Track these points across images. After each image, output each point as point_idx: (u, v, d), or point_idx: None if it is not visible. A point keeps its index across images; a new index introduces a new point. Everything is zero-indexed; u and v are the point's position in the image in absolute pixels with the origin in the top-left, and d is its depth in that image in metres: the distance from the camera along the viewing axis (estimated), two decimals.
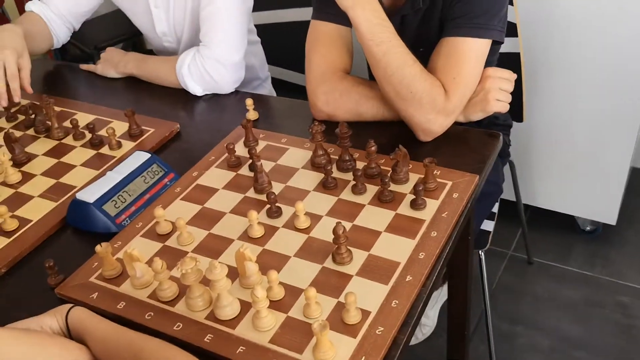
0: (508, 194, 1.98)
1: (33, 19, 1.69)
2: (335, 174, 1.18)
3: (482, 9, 1.23)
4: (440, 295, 2.00)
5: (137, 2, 1.70)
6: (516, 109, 1.75)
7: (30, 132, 1.46)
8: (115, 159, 1.33)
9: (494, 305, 2.01)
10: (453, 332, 1.59)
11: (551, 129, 2.10)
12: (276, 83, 2.04)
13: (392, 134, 1.28)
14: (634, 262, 2.16)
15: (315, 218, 1.09)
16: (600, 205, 2.16)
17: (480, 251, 1.67)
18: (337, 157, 1.21)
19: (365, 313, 0.89)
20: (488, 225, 1.68)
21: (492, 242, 1.69)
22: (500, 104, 1.29)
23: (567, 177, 2.17)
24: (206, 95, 1.56)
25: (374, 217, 1.07)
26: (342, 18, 1.29)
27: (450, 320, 1.58)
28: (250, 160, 1.22)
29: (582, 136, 2.07)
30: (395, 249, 1.00)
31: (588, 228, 2.28)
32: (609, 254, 2.21)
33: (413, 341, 1.95)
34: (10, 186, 1.28)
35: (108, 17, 2.92)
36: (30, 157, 1.36)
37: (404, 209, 1.08)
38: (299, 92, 1.61)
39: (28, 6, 1.70)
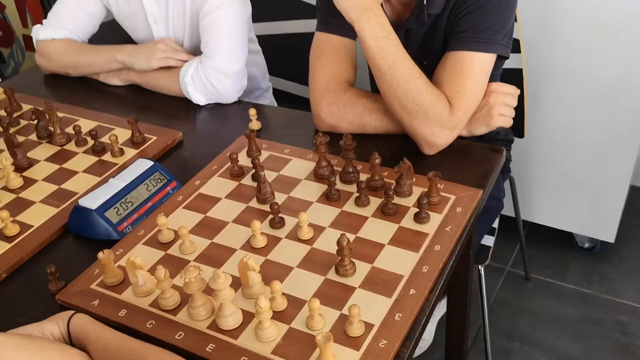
0: (507, 209, 1.98)
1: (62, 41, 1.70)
2: (339, 185, 1.18)
3: (487, 24, 1.24)
4: (438, 309, 1.99)
5: (136, 19, 1.71)
6: (517, 125, 1.75)
7: (33, 137, 1.45)
8: (118, 166, 1.33)
9: (491, 321, 2.01)
10: (451, 347, 1.59)
11: (551, 146, 2.11)
12: (278, 94, 2.04)
13: (396, 147, 1.28)
14: (632, 280, 2.16)
15: (318, 229, 1.08)
16: (599, 222, 2.16)
17: (480, 266, 1.67)
18: (340, 169, 1.21)
19: (368, 326, 0.89)
20: (488, 240, 1.68)
21: (490, 257, 1.68)
22: (504, 118, 1.30)
23: (566, 193, 2.17)
24: (209, 104, 1.56)
25: (377, 230, 1.07)
26: (346, 30, 1.29)
27: (449, 334, 1.57)
28: (253, 170, 1.22)
29: (582, 153, 2.07)
30: (399, 261, 1.00)
31: (586, 245, 2.28)
32: (607, 271, 2.21)
33: None
34: (12, 191, 1.28)
35: (108, 25, 2.93)
36: (32, 163, 1.36)
37: (408, 222, 1.08)
38: (301, 103, 1.61)
39: (39, 35, 1.69)
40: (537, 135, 2.09)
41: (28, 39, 3.15)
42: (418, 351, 1.96)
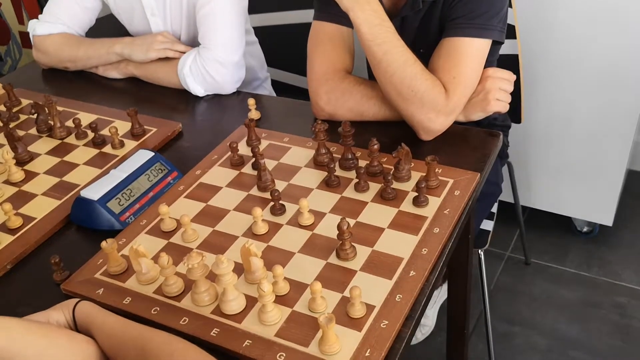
0: (506, 195, 1.99)
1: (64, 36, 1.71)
2: (338, 172, 1.19)
3: (481, 9, 1.25)
4: (440, 295, 2.01)
5: (133, 12, 1.71)
6: (514, 110, 1.76)
7: (33, 131, 1.46)
8: (118, 157, 1.34)
9: (491, 305, 2.02)
10: (452, 332, 1.61)
11: (548, 131, 2.12)
12: (275, 85, 2.05)
13: (394, 133, 1.29)
14: (630, 263, 2.18)
15: (318, 215, 1.10)
16: (597, 206, 2.17)
17: (479, 251, 1.68)
18: (339, 156, 1.22)
19: (369, 307, 0.90)
20: (487, 225, 1.69)
21: (490, 243, 1.70)
22: (500, 103, 1.31)
23: (564, 178, 2.18)
24: (208, 95, 1.57)
25: (377, 214, 1.09)
26: (343, 19, 1.30)
27: (450, 319, 1.59)
28: (254, 159, 1.24)
29: (579, 138, 2.08)
30: (399, 245, 1.01)
31: (585, 229, 2.30)
32: (606, 254, 2.22)
33: (413, 341, 1.95)
34: (14, 184, 1.29)
35: (104, 20, 2.93)
36: (33, 156, 1.37)
37: (407, 206, 1.09)
38: (299, 94, 1.62)
39: (36, 30, 1.70)
40: (534, 121, 2.11)
41: (25, 36, 3.16)
42: (420, 337, 1.98)
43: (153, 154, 1.25)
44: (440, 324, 2.00)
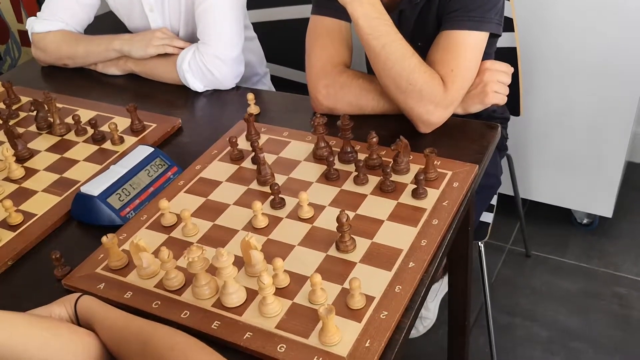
0: (505, 187, 2.00)
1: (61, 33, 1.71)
2: (337, 165, 1.20)
3: (478, 2, 1.25)
4: (440, 288, 2.02)
5: (132, 8, 1.72)
6: (513, 103, 1.76)
7: (32, 128, 1.47)
8: (118, 153, 1.34)
9: (492, 298, 2.02)
10: (453, 324, 1.61)
11: (547, 123, 2.12)
12: (275, 81, 2.05)
13: (393, 127, 1.29)
14: (630, 254, 2.18)
15: (318, 208, 1.10)
16: (597, 198, 2.18)
17: (480, 243, 1.69)
18: (338, 149, 1.22)
19: (369, 298, 0.91)
20: (487, 217, 1.70)
21: (490, 236, 1.70)
22: (498, 96, 1.31)
23: (563, 170, 2.19)
24: (207, 91, 1.57)
25: (376, 207, 1.09)
26: (341, 13, 1.30)
27: (451, 312, 1.59)
28: (253, 153, 1.24)
29: (578, 130, 2.09)
30: (398, 236, 1.02)
31: (585, 221, 2.30)
32: (606, 246, 2.23)
33: (414, 334, 1.96)
34: (14, 181, 1.29)
35: (103, 17, 2.93)
36: (33, 153, 1.37)
37: (406, 198, 1.10)
38: (298, 89, 1.62)
39: (35, 28, 1.70)
40: (533, 113, 2.11)
41: (23, 35, 3.15)
42: (422, 330, 1.99)
43: (153, 149, 1.26)
44: (442, 317, 2.00)
